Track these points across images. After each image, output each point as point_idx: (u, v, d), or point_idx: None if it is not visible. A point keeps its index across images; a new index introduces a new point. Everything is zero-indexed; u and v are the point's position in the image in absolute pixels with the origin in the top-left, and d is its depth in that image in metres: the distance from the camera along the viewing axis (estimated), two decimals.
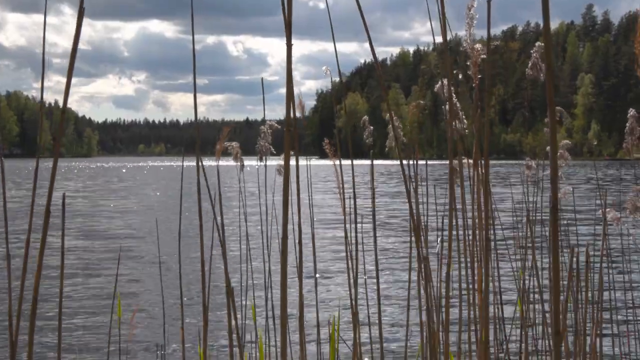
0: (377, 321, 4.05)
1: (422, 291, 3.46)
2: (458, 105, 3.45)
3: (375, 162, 4.02)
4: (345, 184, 4.27)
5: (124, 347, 6.83)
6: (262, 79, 4.04)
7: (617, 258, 6.98)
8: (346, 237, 4.25)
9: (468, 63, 3.09)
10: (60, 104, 2.07)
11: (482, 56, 3.09)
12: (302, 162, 5.16)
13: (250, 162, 4.62)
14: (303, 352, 3.27)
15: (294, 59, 1.89)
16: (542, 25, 1.45)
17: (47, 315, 9.65)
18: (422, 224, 3.76)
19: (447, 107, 3.30)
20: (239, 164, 4.38)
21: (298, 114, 3.65)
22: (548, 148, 4.55)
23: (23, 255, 2.24)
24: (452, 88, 3.35)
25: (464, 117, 3.47)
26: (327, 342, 5.68)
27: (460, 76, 3.31)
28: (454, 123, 3.37)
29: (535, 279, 4.22)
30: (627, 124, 4.18)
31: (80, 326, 9.85)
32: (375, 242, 3.97)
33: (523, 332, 4.02)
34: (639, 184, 4.19)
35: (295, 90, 2.31)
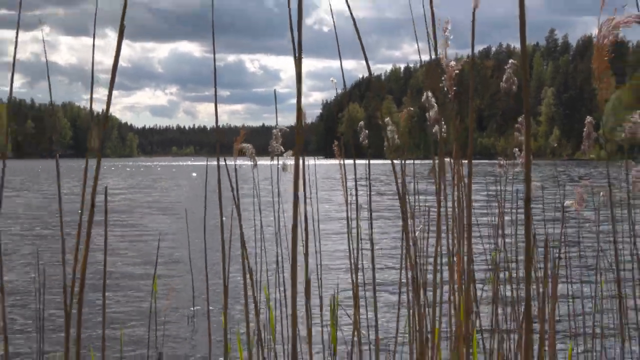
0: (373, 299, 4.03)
1: (409, 272, 3.43)
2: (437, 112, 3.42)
3: (373, 161, 4.00)
4: (347, 180, 4.26)
5: (160, 318, 6.83)
6: (274, 91, 4.03)
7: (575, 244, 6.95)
8: (348, 225, 4.23)
9: (443, 78, 3.06)
10: (108, 112, 2.06)
11: (456, 71, 3.06)
12: (311, 161, 5.14)
13: (266, 162, 4.59)
14: (309, 320, 3.25)
15: (303, 72, 1.87)
16: (513, 46, 1.43)
17: (94, 291, 9.62)
18: (411, 210, 3.73)
19: (432, 114, 3.29)
20: (253, 162, 4.36)
21: (307, 120, 3.63)
22: (516, 149, 4.56)
23: (75, 238, 2.23)
24: (436, 99, 3.33)
25: (443, 123, 3.44)
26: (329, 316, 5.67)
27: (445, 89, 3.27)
28: (436, 127, 3.36)
29: (504, 260, 4.20)
30: (585, 129, 4.18)
31: (124, 298, 9.85)
32: (371, 227, 3.94)
33: (494, 311, 3.99)
34: (585, 179, 4.17)
35: (304, 101, 2.31)
